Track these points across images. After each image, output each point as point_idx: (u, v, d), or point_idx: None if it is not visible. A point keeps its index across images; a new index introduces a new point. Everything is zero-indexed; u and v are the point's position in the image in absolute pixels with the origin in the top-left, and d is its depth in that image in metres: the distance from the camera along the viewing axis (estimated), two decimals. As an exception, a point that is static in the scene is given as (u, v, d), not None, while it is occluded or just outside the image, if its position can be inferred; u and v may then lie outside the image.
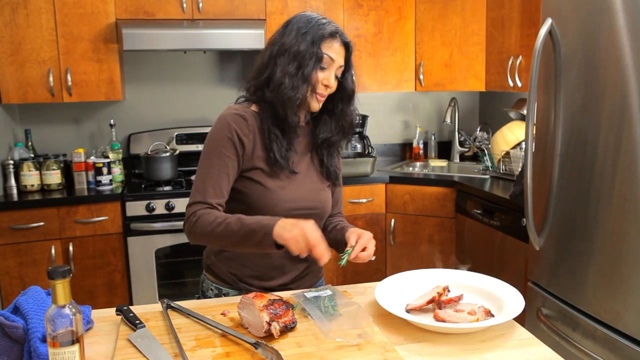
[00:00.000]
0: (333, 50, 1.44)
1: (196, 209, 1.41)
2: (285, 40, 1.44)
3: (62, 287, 0.95)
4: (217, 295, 1.57)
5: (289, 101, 1.42)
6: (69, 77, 2.95)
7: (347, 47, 1.48)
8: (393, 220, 3.23)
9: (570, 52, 1.81)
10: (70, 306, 0.96)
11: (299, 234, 1.28)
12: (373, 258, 1.44)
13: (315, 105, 1.48)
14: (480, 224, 2.78)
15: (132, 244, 2.91)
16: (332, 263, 3.24)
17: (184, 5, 3.03)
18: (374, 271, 3.27)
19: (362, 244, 1.41)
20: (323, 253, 1.30)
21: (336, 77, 1.47)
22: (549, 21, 1.85)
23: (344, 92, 1.52)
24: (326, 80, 1.45)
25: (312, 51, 1.42)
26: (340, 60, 1.46)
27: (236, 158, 1.45)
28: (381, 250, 3.28)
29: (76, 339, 0.97)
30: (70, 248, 2.84)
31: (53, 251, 2.81)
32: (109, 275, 2.93)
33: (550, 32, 1.86)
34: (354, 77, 1.54)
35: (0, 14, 2.84)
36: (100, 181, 3.10)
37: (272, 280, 1.55)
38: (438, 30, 3.37)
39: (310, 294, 1.33)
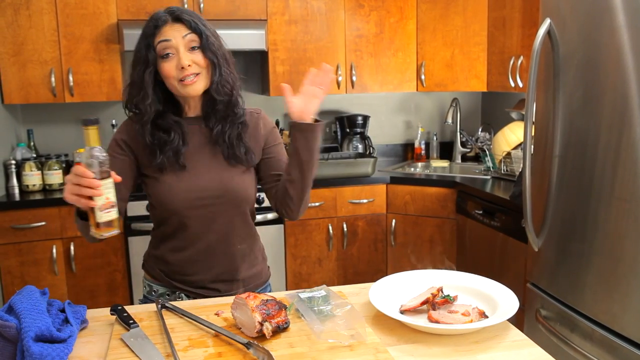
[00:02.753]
0: (165, 35, 1.40)
1: None
2: (135, 49, 1.45)
3: (93, 133, 1.16)
4: (148, 293, 1.62)
5: (139, 114, 1.45)
6: (70, 78, 2.96)
7: (180, 20, 1.40)
8: (394, 220, 3.22)
9: (569, 52, 1.80)
10: (99, 147, 1.17)
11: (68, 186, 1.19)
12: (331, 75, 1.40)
13: (188, 90, 1.42)
14: (481, 224, 2.77)
15: (133, 243, 2.91)
16: (333, 263, 3.25)
17: (185, 5, 3.03)
18: (374, 272, 3.27)
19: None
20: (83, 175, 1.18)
21: (194, 48, 1.41)
22: (547, 21, 1.84)
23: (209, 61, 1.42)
24: (178, 64, 1.39)
25: (148, 52, 1.40)
26: (178, 35, 1.40)
27: (126, 157, 1.48)
28: (382, 251, 3.28)
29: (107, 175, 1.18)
30: (72, 248, 2.85)
31: (54, 251, 2.82)
32: (109, 275, 2.94)
33: (549, 32, 1.85)
34: (218, 41, 1.45)
35: (3, 15, 2.85)
36: (101, 181, 3.11)
37: (194, 275, 1.55)
38: (439, 30, 3.36)
39: (304, 294, 1.33)
